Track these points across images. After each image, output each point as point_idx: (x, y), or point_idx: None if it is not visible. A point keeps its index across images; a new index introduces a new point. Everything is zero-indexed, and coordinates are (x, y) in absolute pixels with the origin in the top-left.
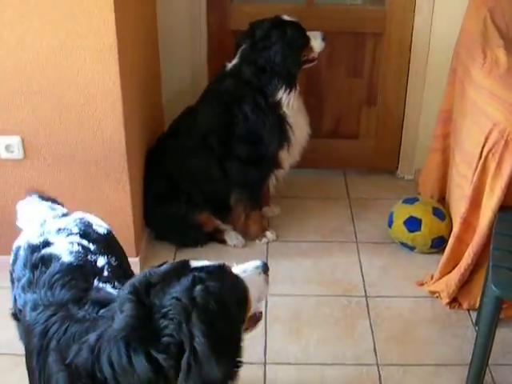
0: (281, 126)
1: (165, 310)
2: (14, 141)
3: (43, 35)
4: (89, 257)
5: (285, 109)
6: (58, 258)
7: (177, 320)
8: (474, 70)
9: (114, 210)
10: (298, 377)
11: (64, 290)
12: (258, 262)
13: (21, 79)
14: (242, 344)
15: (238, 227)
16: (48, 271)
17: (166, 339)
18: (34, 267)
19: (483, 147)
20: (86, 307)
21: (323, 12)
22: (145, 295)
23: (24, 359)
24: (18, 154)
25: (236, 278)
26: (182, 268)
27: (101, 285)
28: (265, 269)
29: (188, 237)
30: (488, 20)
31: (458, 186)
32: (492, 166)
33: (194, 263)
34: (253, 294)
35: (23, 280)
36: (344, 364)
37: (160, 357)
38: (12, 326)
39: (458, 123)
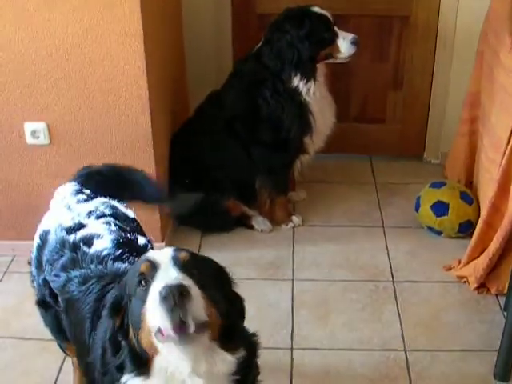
0: (302, 113)
1: None
2: (40, 127)
3: (68, 21)
4: (128, 235)
5: (305, 96)
6: (99, 237)
7: None
8: (502, 53)
9: None
10: (324, 362)
11: (117, 262)
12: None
13: (46, 65)
14: None
15: (264, 212)
16: (93, 248)
17: None
18: (74, 247)
19: None
20: None
21: None
22: None
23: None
24: (43, 139)
25: None
26: None
27: None
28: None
29: (214, 222)
30: None
31: (487, 171)
32: None
33: None
34: None
35: (63, 260)
36: (371, 349)
37: None
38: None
39: (486, 107)
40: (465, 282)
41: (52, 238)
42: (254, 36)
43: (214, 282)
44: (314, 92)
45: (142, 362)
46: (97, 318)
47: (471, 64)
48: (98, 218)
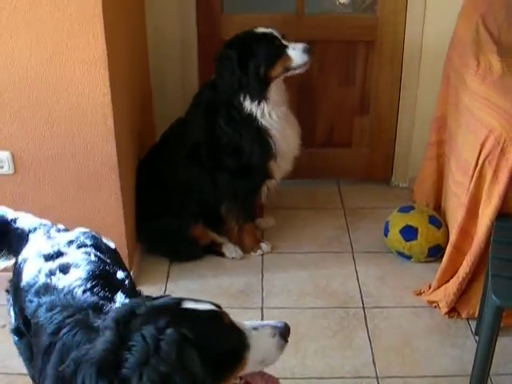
0: (261, 137)
1: (131, 344)
2: (4, 156)
3: (32, 49)
4: (107, 268)
5: (261, 120)
6: (77, 266)
7: (135, 359)
8: (468, 76)
9: (106, 223)
10: None
11: (86, 295)
12: (278, 323)
13: (10, 93)
14: None
15: (233, 239)
16: (68, 276)
17: (124, 371)
18: (50, 274)
19: (479, 154)
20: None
21: (314, 21)
22: (123, 325)
23: (19, 379)
24: (8, 169)
25: (231, 331)
26: (171, 306)
27: (124, 297)
28: (283, 332)
29: (182, 251)
30: (480, 25)
31: (455, 194)
32: (489, 173)
33: (188, 304)
34: (255, 355)
35: (37, 285)
36: (343, 377)
37: None
38: (4, 342)
39: (452, 130)
40: (435, 306)
41: (30, 265)
42: None
43: None
44: (269, 114)
45: None
46: (47, 357)
47: (437, 88)
48: (79, 247)
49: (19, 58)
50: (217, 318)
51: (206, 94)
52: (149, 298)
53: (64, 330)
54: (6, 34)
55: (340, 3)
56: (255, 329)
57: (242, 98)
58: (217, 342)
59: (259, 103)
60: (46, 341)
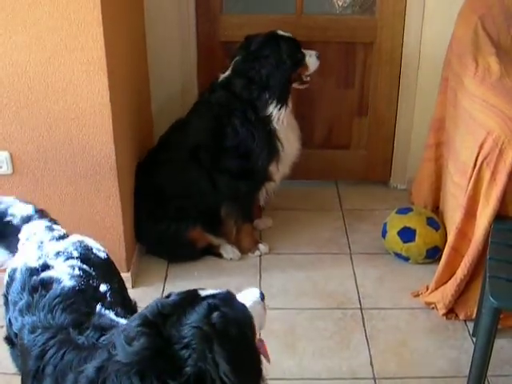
0: (270, 140)
1: (185, 340)
2: (3, 156)
3: (31, 50)
4: (90, 281)
5: (275, 124)
6: (58, 282)
7: (199, 349)
8: (466, 78)
9: (105, 225)
10: None
11: (65, 313)
12: (255, 290)
13: (9, 94)
14: (262, 368)
15: (230, 240)
16: (48, 294)
17: (188, 369)
18: (33, 290)
19: (477, 156)
20: (88, 332)
21: (313, 22)
22: (162, 327)
23: (13, 379)
24: (6, 169)
25: (243, 305)
26: (193, 297)
27: (104, 310)
28: (262, 297)
29: (180, 253)
30: (479, 28)
31: (453, 196)
32: (487, 175)
33: (203, 292)
34: (256, 322)
35: (21, 303)
36: (340, 378)
37: None
38: (3, 344)
39: (451, 132)
40: (433, 308)
41: (17, 278)
42: (219, 64)
43: None
44: (282, 119)
45: None
46: (37, 383)
47: (436, 90)
48: (66, 259)
49: (18, 59)
50: (232, 296)
51: (219, 95)
52: (160, 300)
53: (49, 353)
54: (5, 34)
55: (339, 5)
56: (246, 300)
57: (270, 101)
58: (243, 316)
59: (281, 108)
60: (32, 365)
